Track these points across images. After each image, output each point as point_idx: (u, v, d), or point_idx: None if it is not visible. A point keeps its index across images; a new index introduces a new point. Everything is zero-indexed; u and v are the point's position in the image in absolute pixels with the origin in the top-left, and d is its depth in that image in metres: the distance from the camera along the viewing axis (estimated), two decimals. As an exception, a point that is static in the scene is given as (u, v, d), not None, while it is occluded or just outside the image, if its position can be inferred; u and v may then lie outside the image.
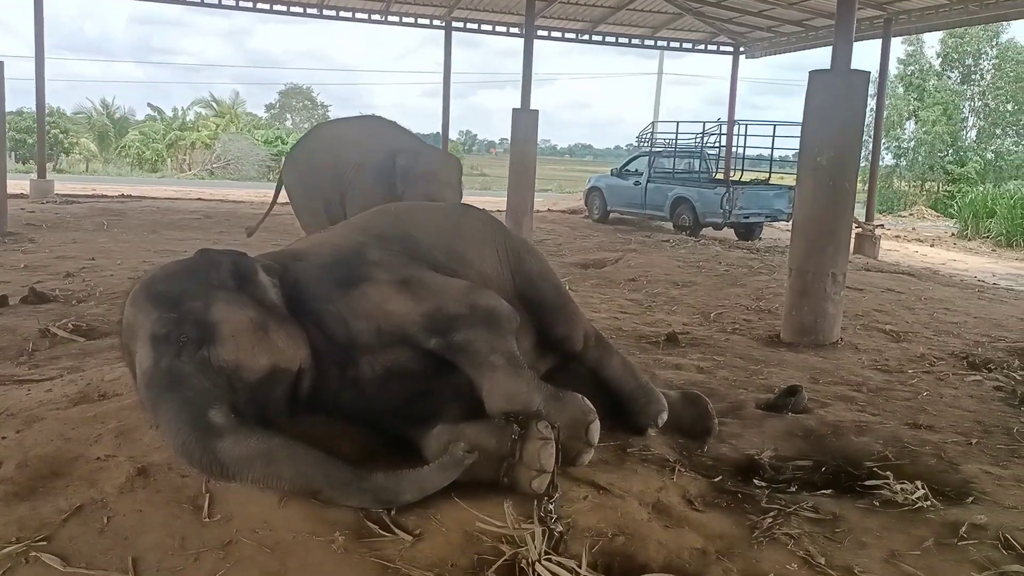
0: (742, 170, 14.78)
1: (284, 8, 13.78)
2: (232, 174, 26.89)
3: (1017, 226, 15.37)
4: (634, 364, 3.00)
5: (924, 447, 2.93)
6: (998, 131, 24.53)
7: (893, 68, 22.47)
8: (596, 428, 2.21)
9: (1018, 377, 4.14)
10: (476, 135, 66.70)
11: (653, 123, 17.00)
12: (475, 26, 14.81)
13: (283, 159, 12.48)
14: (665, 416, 2.76)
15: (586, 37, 15.49)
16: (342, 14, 14.27)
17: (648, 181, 13.88)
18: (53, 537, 1.83)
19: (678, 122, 15.22)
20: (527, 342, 2.62)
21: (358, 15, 14.27)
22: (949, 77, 24.63)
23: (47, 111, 15.45)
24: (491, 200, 13.00)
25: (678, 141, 15.06)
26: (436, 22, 14.51)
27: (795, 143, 9.71)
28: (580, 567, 1.82)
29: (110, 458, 2.18)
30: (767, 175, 13.90)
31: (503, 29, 14.93)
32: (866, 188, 12.42)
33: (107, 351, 3.78)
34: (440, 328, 2.25)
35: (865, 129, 6.71)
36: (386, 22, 14.44)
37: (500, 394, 2.17)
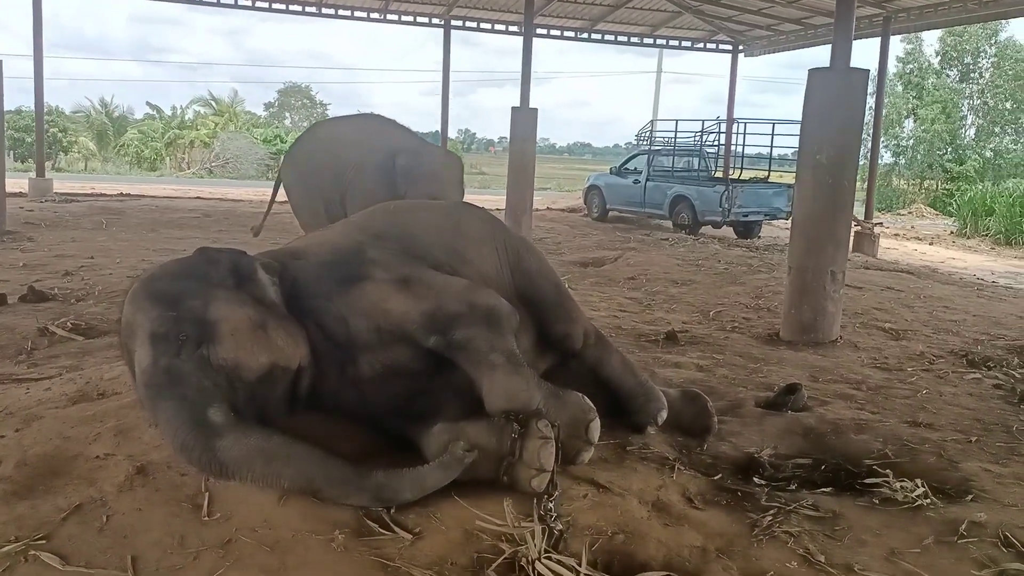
0: (741, 168, 14.80)
1: (283, 7, 13.73)
2: (231, 173, 26.86)
3: (1016, 224, 15.38)
4: (633, 362, 3.00)
5: (924, 445, 2.93)
6: (997, 129, 24.59)
7: (892, 66, 22.54)
8: (596, 426, 2.21)
9: (1017, 375, 4.14)
10: (475, 133, 66.94)
11: (652, 121, 16.94)
12: (474, 24, 14.80)
13: (282, 158, 12.46)
14: (665, 414, 2.76)
15: (585, 35, 15.48)
16: (341, 12, 14.24)
17: (647, 179, 13.88)
18: (52, 536, 1.84)
19: (677, 120, 15.22)
20: (527, 340, 2.62)
21: (357, 13, 14.25)
22: (948, 75, 24.67)
23: (46, 110, 15.42)
24: (490, 198, 12.97)
25: (677, 139, 15.04)
26: (435, 20, 14.49)
27: (794, 141, 9.75)
28: (580, 565, 1.82)
29: (109, 457, 2.19)
30: (766, 173, 13.91)
31: (502, 27, 14.92)
32: (865, 186, 12.42)
33: (106, 350, 3.79)
34: (440, 326, 2.25)
35: (864, 127, 6.73)
36: (385, 20, 14.43)
37: (500, 393, 2.17)
